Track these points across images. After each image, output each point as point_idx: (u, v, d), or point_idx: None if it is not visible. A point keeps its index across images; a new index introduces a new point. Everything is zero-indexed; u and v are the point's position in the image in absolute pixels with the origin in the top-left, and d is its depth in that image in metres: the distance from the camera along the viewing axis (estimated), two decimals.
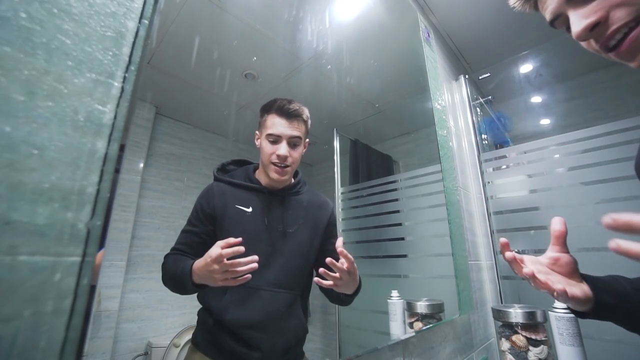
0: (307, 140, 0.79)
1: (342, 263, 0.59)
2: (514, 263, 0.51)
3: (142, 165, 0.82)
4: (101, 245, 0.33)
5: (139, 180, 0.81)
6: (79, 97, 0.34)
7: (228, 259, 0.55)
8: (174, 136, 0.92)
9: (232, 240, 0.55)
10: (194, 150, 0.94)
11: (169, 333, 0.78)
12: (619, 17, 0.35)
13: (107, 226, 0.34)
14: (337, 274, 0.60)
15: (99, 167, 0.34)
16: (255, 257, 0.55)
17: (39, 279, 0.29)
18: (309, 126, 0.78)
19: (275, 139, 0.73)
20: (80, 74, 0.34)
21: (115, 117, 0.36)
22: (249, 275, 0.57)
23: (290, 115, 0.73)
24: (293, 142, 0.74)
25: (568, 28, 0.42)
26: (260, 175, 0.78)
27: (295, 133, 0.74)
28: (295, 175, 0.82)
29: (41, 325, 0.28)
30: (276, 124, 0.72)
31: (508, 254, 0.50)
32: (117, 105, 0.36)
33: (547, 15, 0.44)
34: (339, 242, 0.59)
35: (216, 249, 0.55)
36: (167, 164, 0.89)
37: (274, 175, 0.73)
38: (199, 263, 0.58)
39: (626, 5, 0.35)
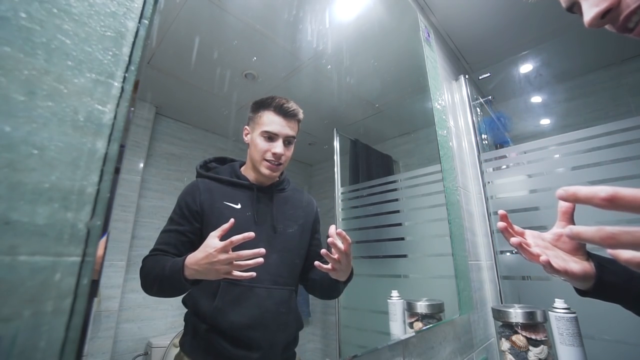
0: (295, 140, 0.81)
1: (339, 248, 0.60)
2: (505, 233, 0.49)
3: (142, 165, 0.82)
4: (103, 235, 0.33)
5: (139, 180, 0.81)
6: (79, 97, 0.34)
7: (233, 249, 0.53)
8: (174, 136, 0.92)
9: (226, 226, 0.54)
10: (194, 150, 0.94)
11: (169, 333, 0.78)
12: (631, 0, 0.35)
13: (107, 226, 0.34)
14: (337, 256, 0.60)
15: (99, 167, 0.34)
16: (262, 250, 0.54)
17: (39, 279, 0.29)
18: (300, 127, 0.79)
19: (271, 137, 0.72)
20: (80, 74, 0.34)
21: (115, 117, 0.36)
22: (254, 273, 0.55)
23: (288, 115, 0.73)
24: (288, 141, 0.74)
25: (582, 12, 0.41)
26: (247, 172, 0.77)
27: (291, 133, 0.74)
28: (281, 173, 0.83)
29: (41, 325, 0.28)
30: (274, 122, 0.72)
31: (500, 224, 0.49)
32: (117, 105, 0.36)
33: (562, 2, 0.44)
34: (332, 229, 0.59)
35: (214, 240, 0.53)
36: (167, 164, 0.89)
37: (266, 172, 0.72)
38: (194, 257, 0.55)
39: None
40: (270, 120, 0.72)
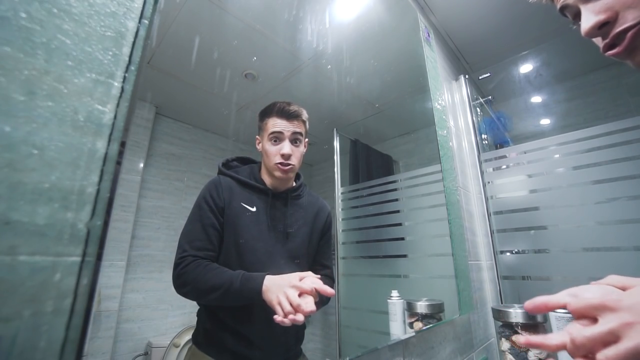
0: (307, 140, 0.81)
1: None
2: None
3: (142, 165, 0.83)
4: (101, 247, 0.33)
5: (139, 180, 0.81)
6: (79, 97, 0.34)
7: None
8: (174, 136, 0.92)
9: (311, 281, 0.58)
10: (194, 150, 0.95)
11: (169, 333, 0.78)
12: (628, 18, 0.35)
13: (107, 226, 0.34)
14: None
15: (99, 167, 0.34)
16: (300, 318, 0.54)
17: (39, 279, 0.29)
18: (308, 127, 0.80)
19: (277, 137, 0.74)
20: (80, 74, 0.34)
21: (115, 117, 0.36)
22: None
23: (291, 116, 0.75)
24: (295, 139, 0.75)
25: (574, 17, 0.41)
26: (264, 176, 0.79)
27: (297, 129, 0.75)
28: (297, 178, 0.84)
29: (41, 325, 0.28)
30: (277, 124, 0.74)
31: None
32: (117, 105, 0.36)
33: (557, 2, 0.43)
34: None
35: (297, 276, 0.58)
36: (167, 164, 0.89)
37: (280, 175, 0.74)
38: (273, 277, 0.59)
39: (637, 8, 0.35)
40: (274, 124, 0.74)
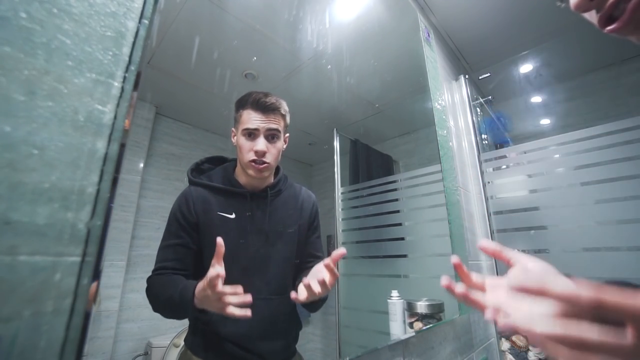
0: (287, 135, 0.75)
1: (326, 278, 0.54)
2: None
3: (142, 165, 0.83)
4: (101, 247, 0.33)
5: (139, 180, 0.81)
6: (79, 97, 0.34)
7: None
8: (174, 136, 0.92)
9: (219, 251, 0.52)
10: (194, 150, 0.95)
11: (169, 333, 0.78)
12: None
13: (107, 226, 0.34)
14: (318, 289, 0.54)
15: (99, 167, 0.34)
16: (249, 298, 0.51)
17: (39, 279, 0.29)
18: (288, 120, 0.74)
19: (251, 133, 0.67)
20: (80, 74, 0.34)
21: (115, 117, 0.36)
22: (249, 314, 0.51)
23: (267, 109, 0.68)
24: (271, 135, 0.68)
25: None
26: (240, 176, 0.73)
27: (273, 126, 0.68)
28: (277, 172, 0.78)
29: (41, 325, 0.28)
30: (252, 119, 0.67)
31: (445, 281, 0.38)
32: (117, 105, 0.36)
33: None
34: (335, 255, 0.54)
35: (212, 270, 0.50)
36: (167, 164, 0.89)
37: (252, 173, 0.68)
38: (199, 285, 0.54)
39: None
40: (249, 118, 0.67)
